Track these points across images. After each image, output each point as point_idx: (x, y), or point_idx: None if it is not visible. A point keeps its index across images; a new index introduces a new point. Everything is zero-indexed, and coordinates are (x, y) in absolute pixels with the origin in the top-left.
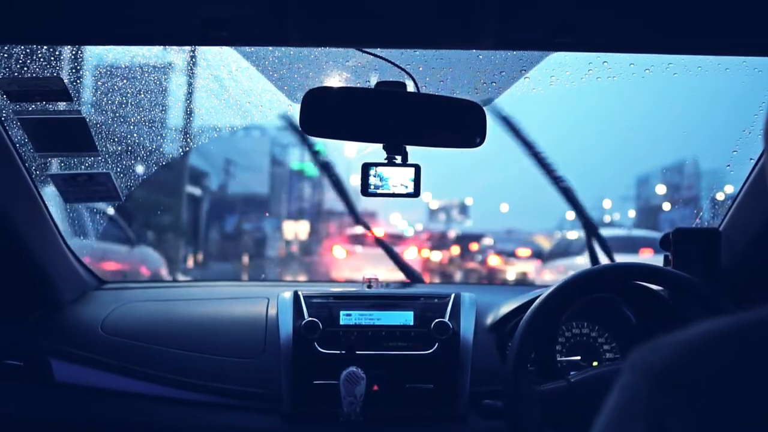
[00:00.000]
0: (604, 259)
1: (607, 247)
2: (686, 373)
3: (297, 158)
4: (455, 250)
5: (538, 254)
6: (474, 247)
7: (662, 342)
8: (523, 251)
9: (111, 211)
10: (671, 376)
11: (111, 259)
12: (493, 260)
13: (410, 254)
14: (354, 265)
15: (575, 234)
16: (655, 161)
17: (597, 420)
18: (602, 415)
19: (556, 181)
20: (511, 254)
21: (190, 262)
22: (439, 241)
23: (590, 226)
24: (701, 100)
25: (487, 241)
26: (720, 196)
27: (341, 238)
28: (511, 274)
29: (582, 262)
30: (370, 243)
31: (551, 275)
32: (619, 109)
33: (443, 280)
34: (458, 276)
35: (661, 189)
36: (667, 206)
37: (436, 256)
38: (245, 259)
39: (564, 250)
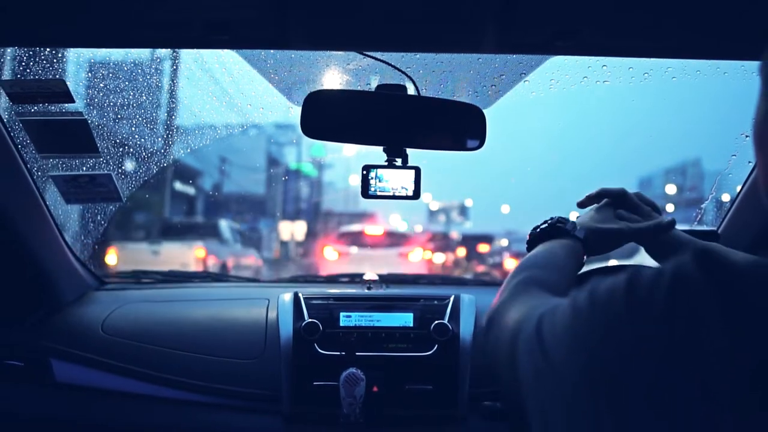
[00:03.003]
0: None
1: None
2: (747, 292)
3: (294, 157)
4: (461, 252)
5: None
6: (483, 248)
7: (731, 255)
8: None
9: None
10: (735, 287)
11: (232, 254)
12: (510, 263)
13: (415, 257)
14: (346, 269)
15: None
16: (658, 162)
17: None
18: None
19: None
20: None
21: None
22: (442, 243)
23: None
24: (704, 103)
25: (502, 242)
26: (725, 198)
27: (333, 237)
28: None
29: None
30: (366, 243)
31: None
32: (620, 111)
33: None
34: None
35: (671, 189)
36: (670, 208)
37: (439, 258)
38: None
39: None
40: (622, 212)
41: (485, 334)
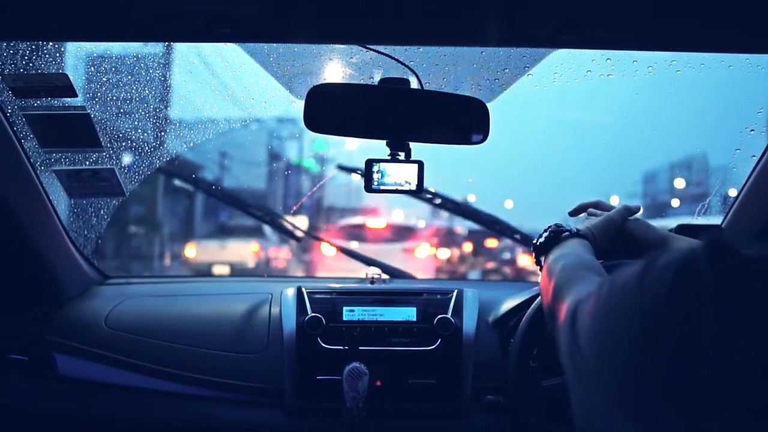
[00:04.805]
0: None
1: None
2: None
3: (296, 152)
4: (467, 247)
5: None
6: (492, 243)
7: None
8: None
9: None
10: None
11: (273, 247)
12: (524, 260)
13: (422, 252)
14: (344, 267)
15: None
16: (663, 157)
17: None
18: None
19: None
20: None
21: (167, 260)
22: (446, 238)
23: None
24: (709, 97)
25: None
26: (732, 192)
27: (332, 231)
28: None
29: None
30: (369, 238)
31: None
32: (624, 104)
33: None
34: (473, 278)
35: (680, 183)
36: (676, 203)
37: (443, 253)
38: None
39: None
40: (595, 211)
41: (550, 323)
